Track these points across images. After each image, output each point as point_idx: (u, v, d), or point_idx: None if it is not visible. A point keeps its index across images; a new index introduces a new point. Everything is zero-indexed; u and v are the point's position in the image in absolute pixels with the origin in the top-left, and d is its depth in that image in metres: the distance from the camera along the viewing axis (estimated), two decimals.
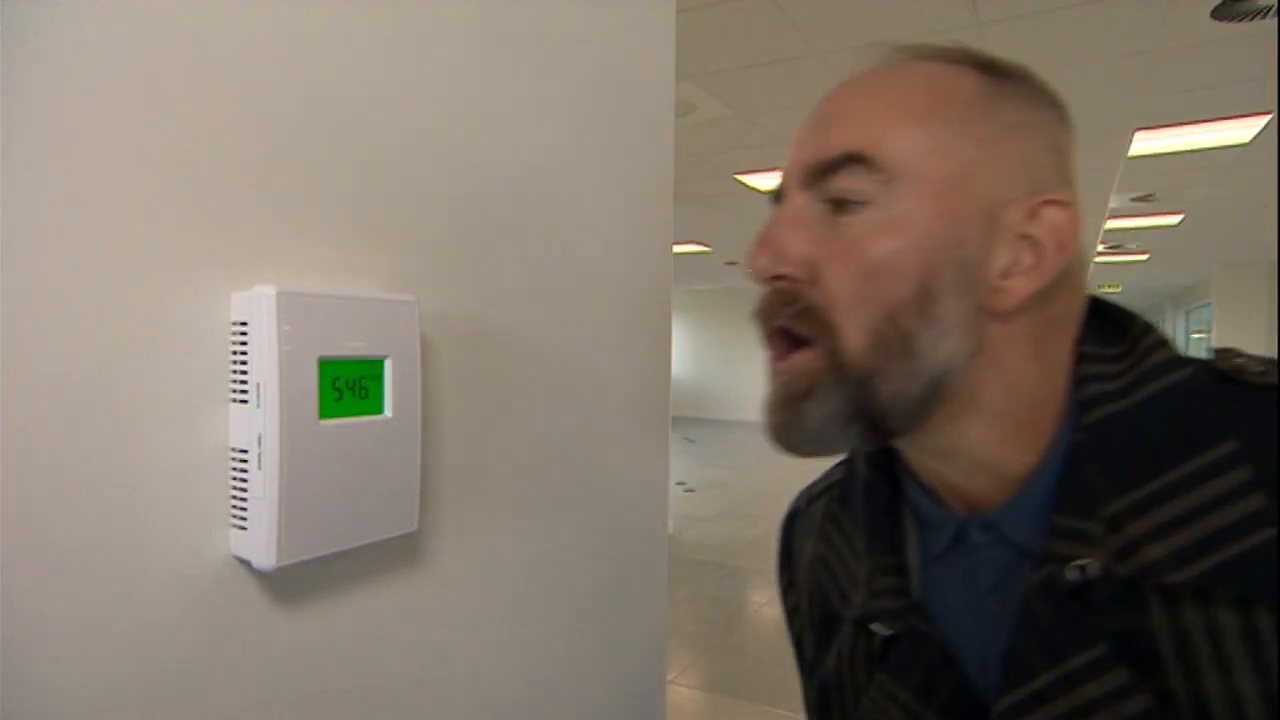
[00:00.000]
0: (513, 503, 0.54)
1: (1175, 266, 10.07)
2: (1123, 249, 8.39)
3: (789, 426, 0.41)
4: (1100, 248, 8.18)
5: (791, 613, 0.56)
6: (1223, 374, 0.40)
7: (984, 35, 2.87)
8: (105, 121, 0.33)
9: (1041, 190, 0.40)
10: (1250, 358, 0.41)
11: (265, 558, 0.36)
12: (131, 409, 0.34)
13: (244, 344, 0.37)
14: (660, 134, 0.72)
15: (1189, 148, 4.34)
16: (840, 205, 0.40)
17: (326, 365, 0.38)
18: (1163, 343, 0.41)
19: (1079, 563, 0.38)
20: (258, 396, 0.36)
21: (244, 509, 0.37)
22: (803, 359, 0.41)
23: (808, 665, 0.55)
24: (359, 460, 0.40)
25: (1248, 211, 6.07)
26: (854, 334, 0.39)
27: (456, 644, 0.50)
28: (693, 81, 3.29)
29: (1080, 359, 0.42)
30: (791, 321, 0.41)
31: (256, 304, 0.36)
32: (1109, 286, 13.25)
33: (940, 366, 0.39)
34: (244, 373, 0.37)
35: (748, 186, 5.27)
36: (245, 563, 0.38)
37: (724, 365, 14.54)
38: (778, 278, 0.41)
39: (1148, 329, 0.42)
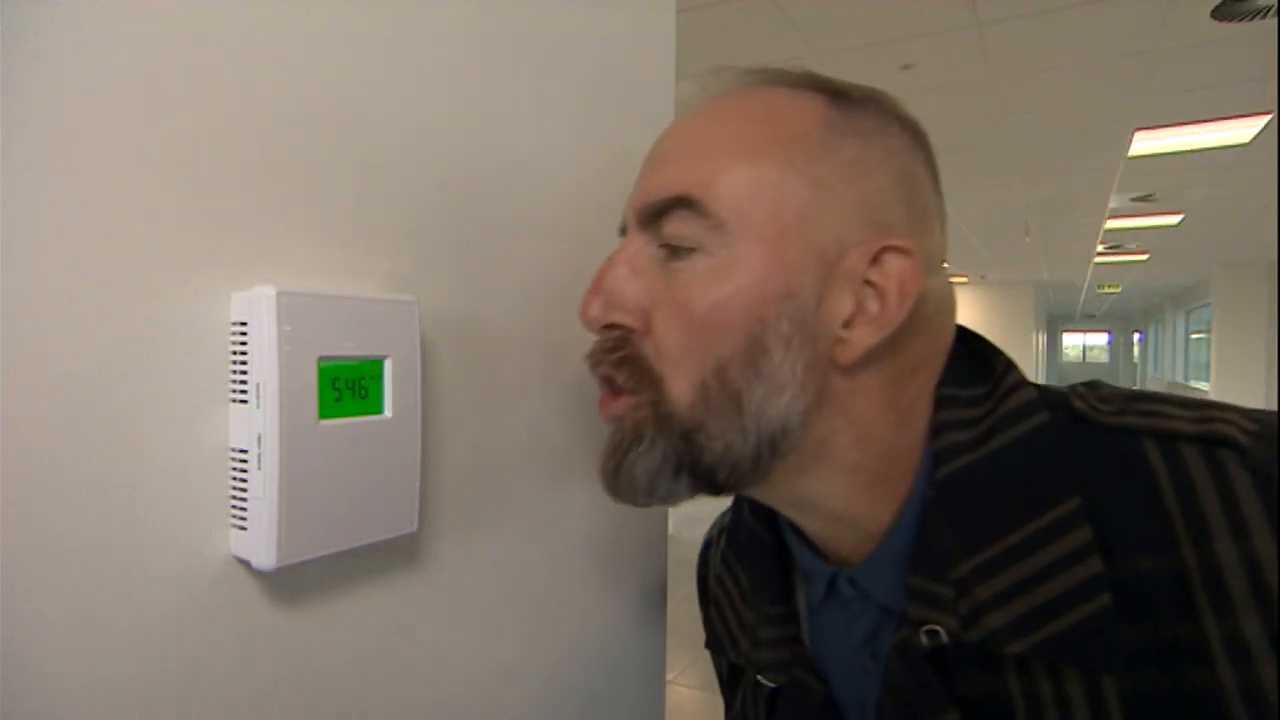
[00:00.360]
0: (512, 503, 0.54)
1: (1175, 266, 10.07)
2: (1123, 249, 8.40)
3: (616, 475, 0.40)
4: (1100, 248, 8.18)
5: (712, 643, 0.53)
6: (1078, 415, 0.38)
7: (984, 35, 2.87)
8: (105, 121, 0.33)
9: (886, 232, 0.38)
10: (1113, 392, 0.39)
11: (265, 558, 0.36)
12: (131, 409, 0.34)
13: (244, 344, 0.37)
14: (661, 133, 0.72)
15: (1189, 148, 4.34)
16: (673, 251, 0.38)
17: (326, 365, 0.38)
18: (1021, 383, 0.39)
19: (930, 627, 0.36)
20: (257, 396, 0.36)
21: (244, 509, 0.37)
22: (623, 405, 0.39)
23: (726, 702, 0.54)
24: (359, 460, 0.40)
25: (1248, 211, 6.08)
26: (678, 387, 0.37)
27: (455, 644, 0.50)
28: (693, 81, 3.29)
29: (939, 403, 0.39)
30: (612, 370, 0.39)
31: (256, 304, 0.36)
32: (1109, 287, 13.25)
33: (774, 424, 0.37)
34: (244, 373, 0.37)
35: None
36: (245, 563, 0.38)
37: None
38: (610, 326, 0.40)
39: (1009, 367, 0.40)
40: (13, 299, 0.30)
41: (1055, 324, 23.49)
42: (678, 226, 0.38)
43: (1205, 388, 10.72)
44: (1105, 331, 26.13)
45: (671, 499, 0.40)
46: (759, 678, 0.46)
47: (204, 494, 0.37)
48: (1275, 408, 0.38)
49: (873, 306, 0.38)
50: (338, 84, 0.42)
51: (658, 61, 0.71)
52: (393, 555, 0.45)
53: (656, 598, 0.70)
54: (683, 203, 0.37)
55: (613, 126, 0.64)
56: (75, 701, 0.32)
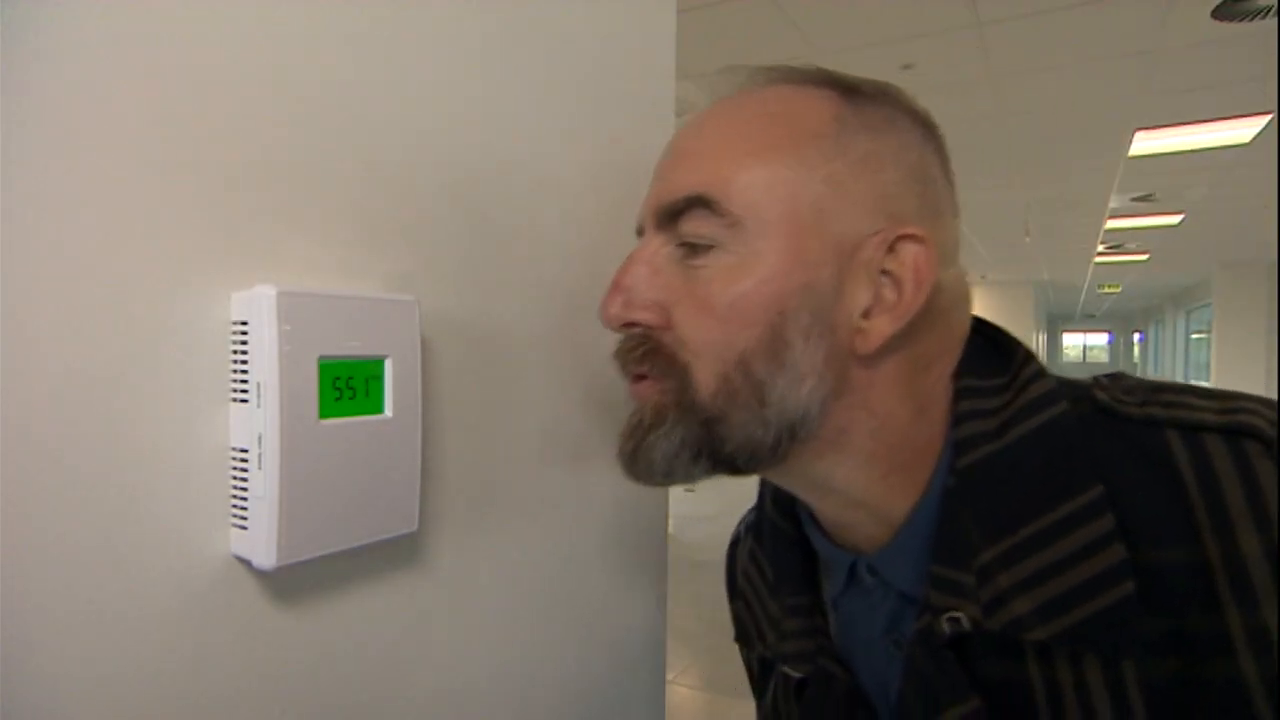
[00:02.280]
0: (512, 503, 0.54)
1: (1175, 266, 10.07)
2: (1123, 249, 8.40)
3: (635, 455, 0.41)
4: (1100, 248, 8.18)
5: (741, 639, 0.54)
6: (1100, 406, 0.38)
7: (984, 35, 2.87)
8: (105, 122, 0.33)
9: (901, 222, 0.38)
10: (1136, 383, 0.40)
11: (266, 557, 0.36)
12: (132, 408, 0.34)
13: (244, 344, 0.37)
14: (660, 133, 0.72)
15: (1189, 148, 4.34)
16: (692, 249, 0.39)
17: (327, 365, 0.38)
18: (1041, 374, 0.40)
19: (952, 615, 0.37)
20: (258, 396, 0.36)
21: (244, 508, 0.37)
22: (650, 388, 0.40)
23: (757, 695, 0.55)
24: (359, 460, 0.40)
25: (1248, 211, 6.08)
26: (703, 378, 0.38)
27: (455, 644, 0.50)
28: (693, 81, 3.30)
29: (959, 394, 0.40)
30: (638, 364, 0.40)
31: (257, 304, 0.36)
32: (1109, 287, 13.25)
33: (795, 413, 0.38)
34: (244, 372, 0.37)
35: None
36: (245, 562, 0.38)
37: None
38: (630, 324, 0.41)
39: (1029, 358, 0.41)
40: (14, 298, 0.30)
41: (1055, 324, 23.48)
42: (695, 225, 0.39)
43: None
44: (1105, 331, 26.13)
45: (688, 479, 0.41)
46: (785, 669, 0.47)
47: (204, 493, 0.37)
48: None
49: (890, 295, 0.38)
50: (338, 84, 0.42)
51: (658, 61, 0.71)
52: (393, 555, 0.45)
53: (657, 598, 0.70)
54: (700, 202, 0.38)
55: (612, 126, 0.64)
56: (76, 700, 0.32)
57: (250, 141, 0.38)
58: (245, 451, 0.37)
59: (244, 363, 0.37)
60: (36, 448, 0.31)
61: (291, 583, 0.40)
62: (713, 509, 6.35)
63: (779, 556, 0.49)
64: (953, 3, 2.59)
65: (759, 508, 0.53)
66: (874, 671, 0.43)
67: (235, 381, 0.37)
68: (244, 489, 0.37)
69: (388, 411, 0.41)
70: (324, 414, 0.38)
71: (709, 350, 0.38)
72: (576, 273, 0.59)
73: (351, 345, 0.39)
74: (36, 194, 0.31)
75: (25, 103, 0.30)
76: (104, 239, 0.33)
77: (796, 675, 0.46)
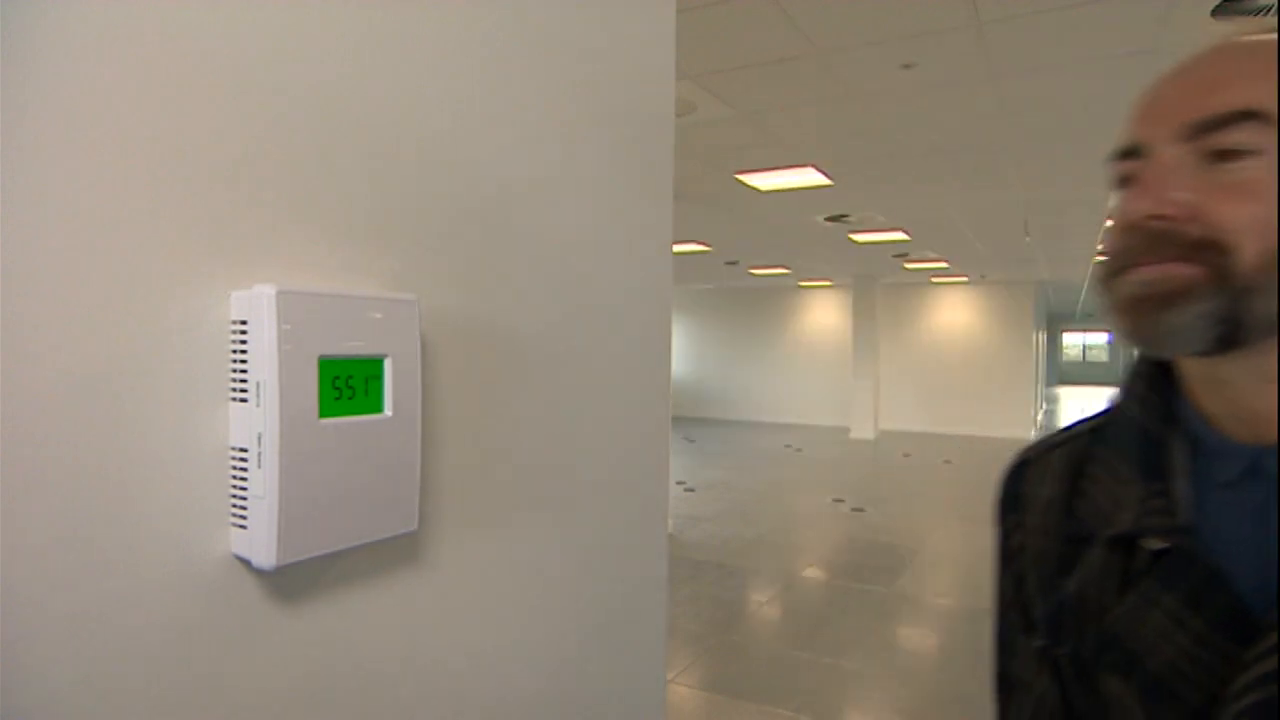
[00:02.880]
0: (512, 502, 0.54)
1: None
2: None
3: (1156, 323, 0.46)
4: (1101, 247, 8.18)
5: (1016, 551, 0.60)
6: None
7: (984, 34, 2.87)
8: (105, 121, 0.33)
9: None
10: None
11: (265, 556, 0.36)
12: (132, 408, 0.34)
13: (244, 343, 0.37)
14: (660, 133, 0.72)
15: None
16: (1224, 155, 0.45)
17: (326, 364, 0.38)
18: None
19: None
20: (258, 395, 0.36)
21: (244, 508, 0.37)
22: (1181, 269, 0.45)
23: (1023, 599, 0.60)
24: (359, 459, 0.40)
25: None
26: (1247, 253, 0.44)
27: (455, 643, 0.50)
28: (693, 81, 3.29)
29: None
30: (1166, 250, 0.45)
31: (256, 303, 0.36)
32: None
33: None
34: (244, 371, 0.37)
35: (748, 186, 5.27)
36: (245, 561, 0.38)
37: (724, 365, 14.53)
38: (1159, 217, 0.46)
39: None
40: (13, 298, 0.30)
41: (1055, 323, 23.48)
42: (1240, 135, 0.45)
43: None
44: (1106, 331, 26.10)
45: (1186, 349, 0.47)
46: (1143, 541, 0.50)
47: (204, 493, 0.37)
48: None
49: None
50: (339, 85, 0.42)
51: (658, 60, 0.71)
52: (393, 554, 0.45)
53: (658, 597, 0.70)
54: (1246, 115, 0.45)
55: (613, 126, 0.63)
56: (73, 698, 0.32)
57: (249, 141, 0.38)
58: (245, 451, 0.37)
59: (244, 362, 0.37)
60: (36, 447, 0.31)
61: (292, 582, 0.40)
62: (713, 509, 6.34)
63: (1144, 449, 0.53)
64: (953, 1, 2.59)
65: (1115, 413, 0.58)
66: (1244, 563, 0.46)
67: (235, 381, 0.37)
68: (244, 488, 0.37)
69: (387, 411, 0.41)
70: (324, 413, 0.38)
71: (1255, 230, 0.44)
72: (576, 271, 0.59)
73: (351, 344, 0.39)
74: (35, 193, 0.31)
75: (24, 101, 0.30)
76: (102, 238, 0.33)
77: (1156, 547, 0.49)
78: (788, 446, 10.73)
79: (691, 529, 5.57)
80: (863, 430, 11.77)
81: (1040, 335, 14.72)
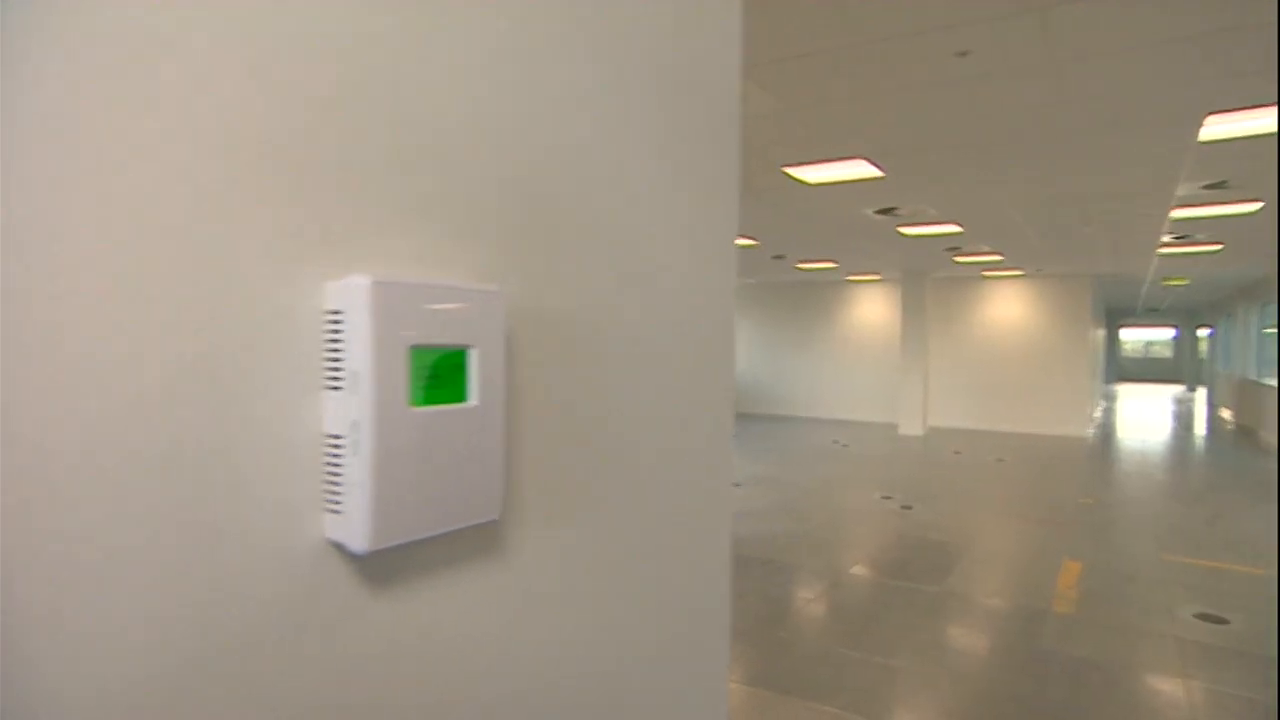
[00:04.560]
0: (584, 494, 0.54)
1: (1252, 257, 9.54)
2: (1191, 239, 8.00)
3: None
4: (1167, 238, 7.81)
5: None
6: None
7: (1047, 20, 2.77)
8: (213, 119, 0.34)
9: None
10: None
11: (360, 541, 0.37)
12: (232, 396, 0.35)
13: (338, 332, 0.38)
14: (727, 129, 0.71)
15: (1266, 131, 4.10)
16: None
17: (417, 353, 0.39)
18: None
19: None
20: (353, 384, 0.37)
21: (338, 493, 0.38)
22: None
23: None
24: (446, 447, 0.40)
25: None
26: None
27: (531, 630, 0.50)
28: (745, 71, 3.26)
29: None
30: None
31: (352, 293, 0.37)
32: (1175, 280, 12.64)
33: None
34: (338, 360, 0.38)
35: (795, 179, 5.20)
36: (340, 546, 0.39)
37: (770, 360, 14.39)
38: None
39: None
40: (125, 292, 0.31)
41: (1115, 318, 22.55)
42: None
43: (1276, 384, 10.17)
44: (1172, 326, 25.01)
45: None
46: None
47: (300, 478, 0.38)
48: None
49: None
50: (424, 81, 0.43)
51: (723, 50, 0.70)
52: (475, 542, 0.46)
53: (722, 593, 0.70)
54: None
55: (681, 121, 0.63)
56: (180, 680, 0.34)
57: (340, 137, 0.39)
58: (340, 438, 0.38)
59: (338, 351, 0.38)
60: (145, 434, 0.32)
61: (382, 567, 0.41)
62: (761, 505, 6.30)
63: None
64: None
65: None
66: None
67: (329, 369, 0.38)
68: (338, 475, 0.38)
69: (473, 400, 0.42)
70: (414, 402, 0.39)
71: None
72: (648, 268, 0.59)
73: (440, 334, 0.40)
74: (145, 191, 0.32)
75: (137, 104, 0.31)
76: (204, 234, 0.34)
77: None
78: (835, 442, 10.59)
79: (739, 524, 5.54)
80: (911, 427, 11.52)
81: (1098, 331, 14.16)
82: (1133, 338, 25.96)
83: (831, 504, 6.48)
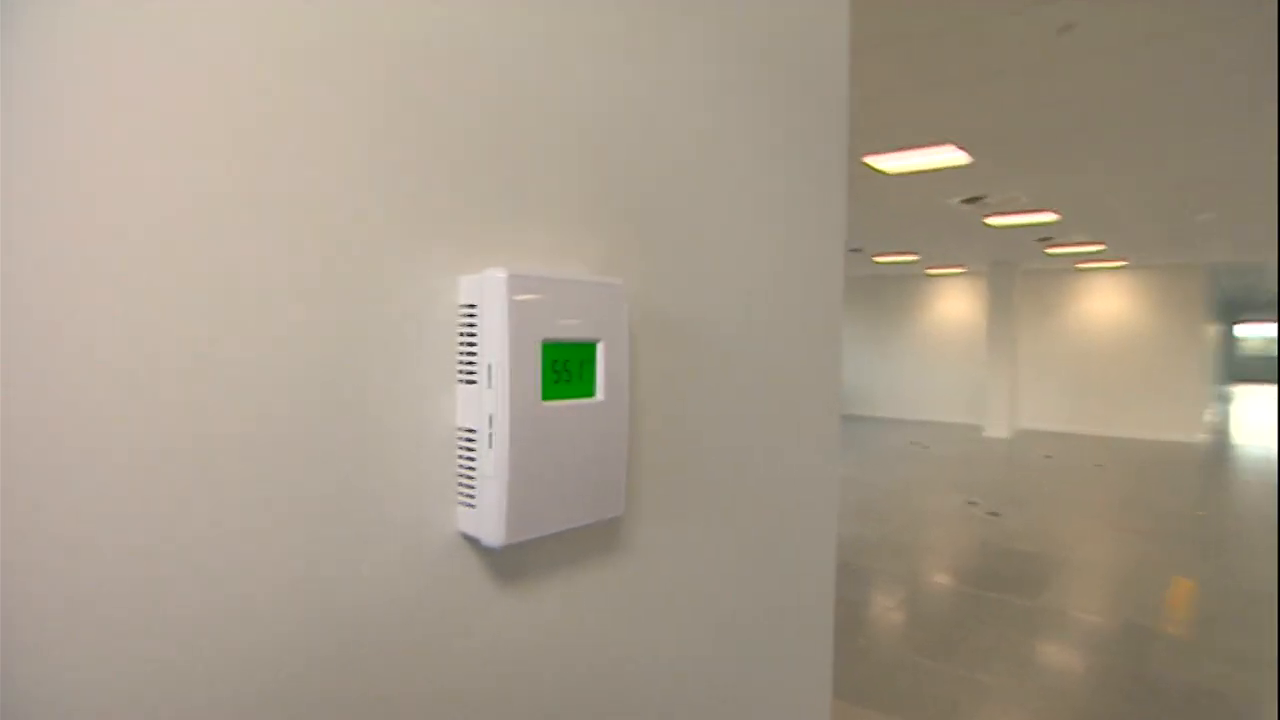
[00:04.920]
0: (697, 493, 0.53)
1: None
2: None
3: None
4: None
5: None
6: None
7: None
8: (353, 120, 0.35)
9: None
10: None
11: (494, 535, 0.37)
12: (369, 390, 0.36)
13: (472, 326, 0.38)
14: (836, 125, 0.69)
15: None
16: None
17: (548, 347, 0.39)
18: None
19: None
20: (488, 377, 0.37)
21: (472, 487, 0.38)
22: None
23: None
24: (575, 442, 0.40)
25: None
26: None
27: (646, 631, 0.50)
28: None
29: None
30: None
31: (487, 286, 0.37)
32: None
33: None
34: (472, 354, 0.38)
35: (873, 169, 5.03)
36: (473, 540, 0.39)
37: (848, 358, 14.02)
38: None
39: None
40: (269, 289, 0.32)
41: (1232, 312, 20.86)
42: None
43: None
44: None
45: None
46: None
47: (434, 472, 0.38)
48: None
49: None
50: (543, 81, 0.43)
51: (831, 36, 0.68)
52: (599, 538, 0.45)
53: (826, 599, 0.68)
54: None
55: (793, 116, 0.61)
56: (315, 670, 0.35)
57: (468, 134, 0.39)
58: (473, 432, 0.38)
59: (472, 345, 0.38)
60: (286, 429, 0.33)
61: (514, 561, 0.41)
62: (839, 507, 6.15)
63: None
64: None
65: None
66: None
67: (463, 363, 0.39)
68: (471, 468, 0.38)
69: (599, 395, 0.41)
70: (546, 396, 0.39)
71: None
72: (761, 268, 0.58)
73: (569, 328, 0.40)
74: (290, 196, 0.33)
75: (280, 111, 0.32)
76: (343, 232, 0.35)
77: None
78: (914, 444, 10.22)
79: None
80: (997, 428, 10.99)
81: (1213, 326, 13.12)
82: (1254, 334, 23.89)
83: (912, 508, 6.26)
